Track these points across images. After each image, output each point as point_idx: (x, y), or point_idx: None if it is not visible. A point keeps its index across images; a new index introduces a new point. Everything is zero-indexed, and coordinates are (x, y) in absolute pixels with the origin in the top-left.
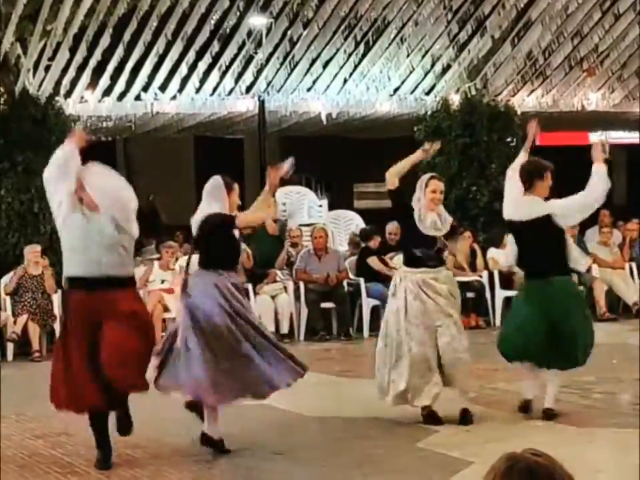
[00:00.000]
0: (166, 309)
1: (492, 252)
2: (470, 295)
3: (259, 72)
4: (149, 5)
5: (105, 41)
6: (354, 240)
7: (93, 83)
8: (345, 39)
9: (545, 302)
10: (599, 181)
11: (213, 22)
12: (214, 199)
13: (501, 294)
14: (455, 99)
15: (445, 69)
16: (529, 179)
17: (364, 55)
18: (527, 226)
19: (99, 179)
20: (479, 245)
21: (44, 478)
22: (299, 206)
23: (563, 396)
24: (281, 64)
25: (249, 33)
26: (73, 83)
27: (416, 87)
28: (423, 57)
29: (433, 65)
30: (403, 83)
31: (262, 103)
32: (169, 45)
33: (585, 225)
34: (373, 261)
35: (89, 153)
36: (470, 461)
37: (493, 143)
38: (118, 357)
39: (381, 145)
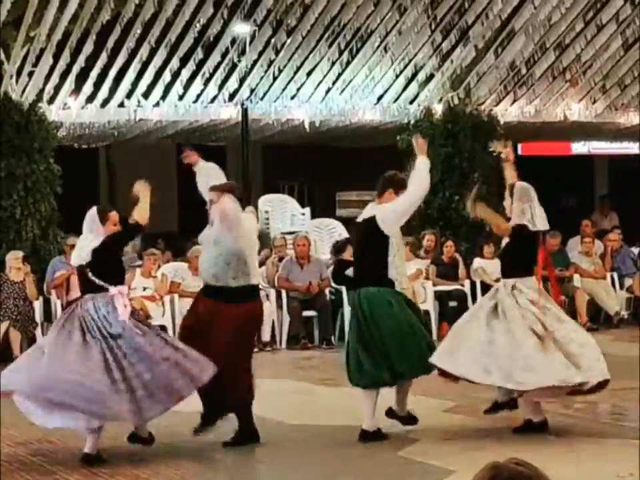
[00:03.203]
0: (147, 316)
1: (479, 262)
2: (452, 304)
3: (243, 80)
4: (133, 11)
5: (88, 47)
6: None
7: (76, 90)
8: (329, 47)
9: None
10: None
11: (196, 29)
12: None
13: None
14: (438, 108)
15: (428, 78)
16: None
17: (347, 64)
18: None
19: None
20: (461, 255)
21: None
22: (282, 214)
23: (544, 406)
24: (265, 72)
25: (233, 41)
26: (56, 90)
27: (399, 96)
28: (406, 66)
29: (416, 74)
30: (386, 91)
31: (245, 111)
32: (152, 52)
33: (567, 235)
34: None
35: (71, 160)
36: (451, 470)
37: (475, 153)
38: None
39: (364, 153)
